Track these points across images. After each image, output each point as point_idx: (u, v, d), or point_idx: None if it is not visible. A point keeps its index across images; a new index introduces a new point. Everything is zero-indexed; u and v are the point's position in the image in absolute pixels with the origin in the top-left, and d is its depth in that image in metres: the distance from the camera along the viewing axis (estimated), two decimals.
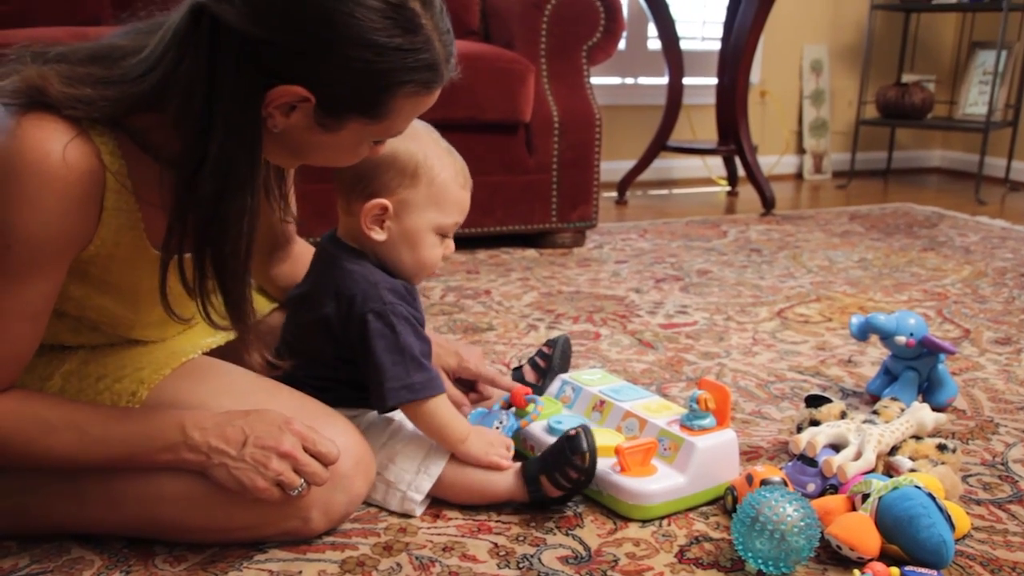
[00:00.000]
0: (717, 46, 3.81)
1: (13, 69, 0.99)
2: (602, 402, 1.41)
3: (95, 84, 0.97)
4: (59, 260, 1.01)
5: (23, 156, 0.94)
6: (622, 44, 4.08)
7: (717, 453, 1.28)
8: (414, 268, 1.28)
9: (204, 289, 1.04)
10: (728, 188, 4.07)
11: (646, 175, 3.91)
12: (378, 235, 1.24)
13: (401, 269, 1.28)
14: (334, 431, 1.16)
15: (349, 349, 1.25)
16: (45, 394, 1.12)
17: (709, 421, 1.29)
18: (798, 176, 4.55)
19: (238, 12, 0.92)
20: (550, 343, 1.60)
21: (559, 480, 1.21)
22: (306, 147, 1.06)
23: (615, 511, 1.26)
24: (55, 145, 0.95)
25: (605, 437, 1.31)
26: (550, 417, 1.39)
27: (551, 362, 1.55)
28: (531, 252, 2.84)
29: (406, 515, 1.25)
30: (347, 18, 0.93)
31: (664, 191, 4.13)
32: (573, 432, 1.21)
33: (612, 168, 3.94)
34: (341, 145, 1.06)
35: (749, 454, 1.47)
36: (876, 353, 1.94)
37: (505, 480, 1.26)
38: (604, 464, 1.26)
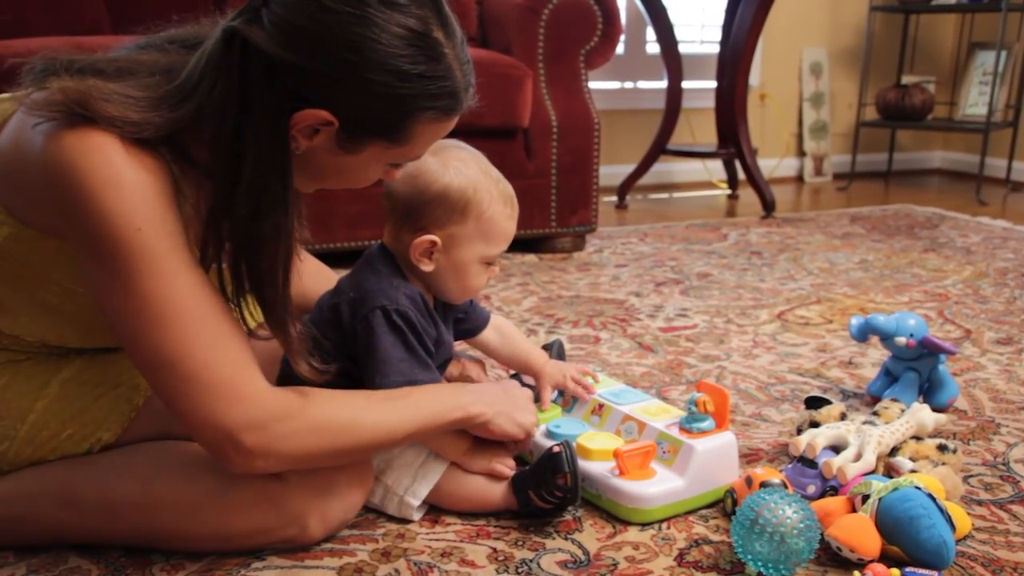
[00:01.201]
0: (716, 49, 3.81)
1: (41, 80, 0.99)
2: (601, 406, 1.40)
3: (139, 107, 0.97)
4: (180, 231, 1.00)
5: (96, 152, 0.94)
6: (621, 48, 4.09)
7: (716, 456, 1.27)
8: (459, 294, 1.31)
9: (242, 300, 1.05)
10: (728, 191, 4.07)
11: (646, 179, 3.90)
12: (427, 267, 1.26)
13: (446, 294, 1.31)
14: None
15: (352, 342, 1.24)
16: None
17: (708, 424, 1.28)
18: (799, 179, 4.54)
19: (267, 35, 0.94)
20: (546, 347, 1.60)
21: (545, 496, 1.22)
22: (326, 169, 1.07)
23: (614, 515, 1.26)
24: (114, 140, 0.95)
25: (604, 441, 1.31)
26: (549, 422, 1.38)
27: None
28: (531, 257, 2.84)
29: (405, 520, 1.25)
30: (372, 43, 0.95)
31: (664, 195, 4.13)
32: (555, 450, 1.21)
33: (612, 172, 3.93)
34: (360, 168, 1.07)
35: (749, 456, 1.46)
36: (877, 354, 1.94)
37: (500, 489, 1.26)
38: (603, 468, 1.26)
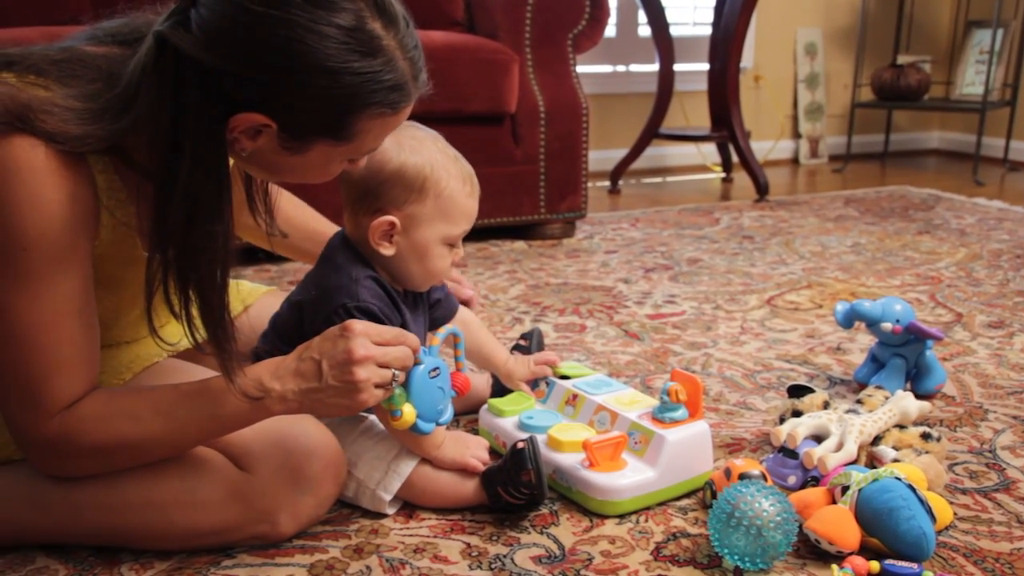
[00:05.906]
0: (708, 31, 3.77)
1: None
2: (575, 396, 1.38)
3: (80, 120, 0.95)
4: (77, 251, 1.00)
5: (8, 162, 0.94)
6: (612, 31, 4.05)
7: (688, 446, 1.25)
8: (423, 278, 1.28)
9: (190, 313, 1.01)
10: (723, 175, 4.04)
11: (640, 163, 3.87)
12: (387, 250, 1.23)
13: (410, 280, 1.28)
14: (304, 432, 1.15)
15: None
16: (126, 387, 1.12)
17: (681, 413, 1.26)
18: (794, 161, 4.51)
19: (195, 40, 0.91)
20: (525, 336, 1.59)
21: (513, 493, 1.20)
22: (277, 167, 1.05)
23: (586, 508, 1.24)
24: (38, 150, 0.94)
25: (576, 432, 1.29)
26: (521, 413, 1.37)
27: (529, 355, 1.53)
28: (520, 244, 2.81)
29: (378, 515, 1.23)
30: (300, 45, 0.91)
31: (658, 179, 4.10)
32: (520, 446, 1.19)
33: (605, 157, 3.90)
34: (311, 165, 1.04)
35: (732, 446, 1.44)
36: (865, 340, 1.91)
37: (472, 485, 1.24)
38: (574, 460, 1.24)
